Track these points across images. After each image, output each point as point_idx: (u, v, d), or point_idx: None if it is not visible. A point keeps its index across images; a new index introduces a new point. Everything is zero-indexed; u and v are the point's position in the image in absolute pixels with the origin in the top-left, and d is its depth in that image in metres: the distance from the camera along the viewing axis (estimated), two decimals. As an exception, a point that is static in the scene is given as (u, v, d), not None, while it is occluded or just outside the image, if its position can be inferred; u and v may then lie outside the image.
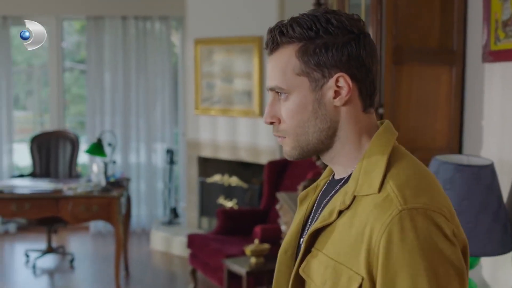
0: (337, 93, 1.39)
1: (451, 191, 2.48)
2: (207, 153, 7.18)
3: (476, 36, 3.27)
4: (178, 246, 7.09)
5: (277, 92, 1.44)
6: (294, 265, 1.48)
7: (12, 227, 8.09)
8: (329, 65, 1.38)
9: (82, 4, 8.06)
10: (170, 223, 7.64)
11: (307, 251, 1.43)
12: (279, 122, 1.45)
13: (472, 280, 2.71)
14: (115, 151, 6.73)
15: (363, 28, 1.40)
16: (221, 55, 7.06)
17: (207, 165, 7.26)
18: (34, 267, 6.73)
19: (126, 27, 8.04)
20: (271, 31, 1.45)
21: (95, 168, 5.99)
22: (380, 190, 1.34)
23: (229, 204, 6.88)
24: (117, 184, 6.08)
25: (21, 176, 7.29)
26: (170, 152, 7.83)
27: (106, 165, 6.02)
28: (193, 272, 5.82)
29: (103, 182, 5.88)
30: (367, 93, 1.40)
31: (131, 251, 6.98)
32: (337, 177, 1.49)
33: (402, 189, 1.32)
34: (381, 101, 3.36)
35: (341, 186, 1.45)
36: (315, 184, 1.59)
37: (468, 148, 3.42)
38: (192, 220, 7.39)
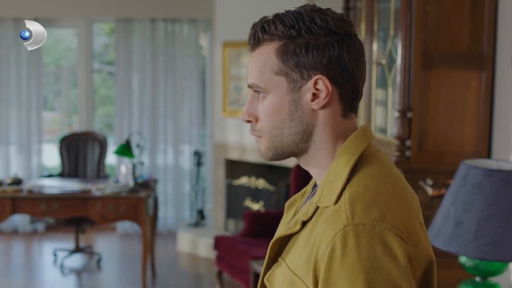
0: (315, 96, 1.33)
1: (480, 195, 2.48)
2: (234, 155, 7.20)
3: (506, 41, 3.27)
4: (205, 248, 7.12)
5: (256, 90, 1.40)
6: None
7: (41, 226, 8.18)
8: (309, 66, 1.32)
9: (112, 6, 8.12)
10: (196, 224, 7.68)
11: (274, 259, 1.40)
12: (256, 121, 1.40)
13: (499, 285, 2.70)
14: (143, 153, 6.78)
15: (350, 30, 1.33)
16: (249, 57, 7.07)
17: (234, 167, 7.29)
18: (62, 266, 6.80)
19: (154, 30, 8.10)
20: (253, 26, 1.41)
21: (123, 169, 6.04)
22: (336, 202, 1.28)
23: (255, 206, 6.89)
24: (145, 185, 6.12)
25: (50, 176, 7.36)
26: (197, 154, 7.86)
27: (134, 166, 6.07)
28: (219, 274, 5.85)
29: (131, 183, 5.92)
30: (348, 97, 1.34)
31: (157, 252, 7.02)
32: (318, 183, 1.43)
33: (353, 203, 1.25)
34: (410, 106, 3.36)
35: (313, 194, 1.41)
36: (303, 190, 1.54)
37: (497, 153, 3.41)
38: (218, 222, 7.42)
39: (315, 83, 1.32)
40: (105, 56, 9.76)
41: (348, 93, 1.34)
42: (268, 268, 1.41)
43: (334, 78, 1.32)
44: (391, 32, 3.71)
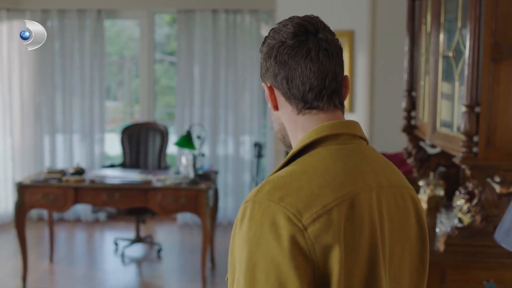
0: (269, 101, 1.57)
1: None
2: (294, 147, 7.13)
3: None
4: (264, 240, 7.07)
5: None
6: None
7: (102, 215, 8.28)
8: (262, 77, 1.58)
9: (174, -3, 8.16)
10: (256, 216, 7.63)
11: None
12: None
13: None
14: (203, 144, 6.78)
15: (287, 36, 1.50)
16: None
17: (294, 159, 7.22)
18: (122, 255, 6.87)
19: (216, 20, 8.08)
20: None
21: (184, 160, 6.05)
22: None
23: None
24: (205, 177, 6.12)
25: (112, 166, 7.43)
26: (258, 146, 7.83)
27: (195, 157, 6.07)
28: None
29: (191, 175, 5.93)
30: (293, 97, 1.51)
31: (217, 243, 7.02)
32: None
33: (265, 184, 1.41)
34: (478, 100, 3.25)
35: None
36: None
37: None
38: (278, 214, 7.36)
39: (266, 90, 1.58)
40: (167, 46, 9.81)
41: (291, 94, 1.51)
42: None
43: (272, 84, 1.54)
44: (459, 24, 3.59)
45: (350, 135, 1.52)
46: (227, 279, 1.48)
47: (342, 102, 1.58)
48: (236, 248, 1.39)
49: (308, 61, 1.49)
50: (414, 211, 1.58)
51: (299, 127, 1.53)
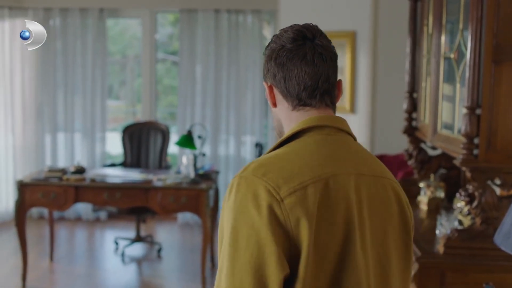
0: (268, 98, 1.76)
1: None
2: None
3: None
4: (264, 240, 7.06)
5: None
6: None
7: (103, 214, 8.28)
8: (264, 77, 1.77)
9: (176, -4, 8.15)
10: (257, 216, 7.62)
11: None
12: None
13: None
14: (204, 143, 6.77)
15: (287, 41, 1.68)
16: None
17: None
18: (123, 254, 6.86)
19: (218, 20, 8.08)
20: None
21: (184, 160, 6.04)
22: None
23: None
24: (206, 177, 6.11)
25: (113, 165, 7.43)
26: (259, 146, 7.82)
27: (195, 157, 6.06)
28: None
29: (192, 174, 5.92)
30: (289, 95, 1.71)
31: (217, 243, 6.99)
32: None
33: (253, 162, 1.61)
34: (479, 102, 3.24)
35: None
36: None
37: None
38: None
39: (266, 89, 1.77)
40: (170, 46, 9.80)
41: (287, 92, 1.71)
42: None
43: (272, 83, 1.74)
44: (461, 25, 3.58)
45: (336, 128, 1.70)
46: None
47: (334, 101, 1.75)
48: (224, 218, 1.58)
49: (304, 64, 1.67)
50: (396, 201, 1.72)
51: (293, 121, 1.72)
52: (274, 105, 1.76)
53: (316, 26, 1.73)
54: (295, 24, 1.73)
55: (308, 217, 1.52)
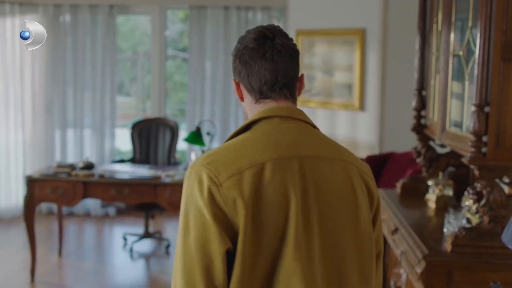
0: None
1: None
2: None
3: None
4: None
5: None
6: None
7: (111, 210, 8.29)
8: (233, 74, 1.94)
9: (186, -7, 8.15)
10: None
11: None
12: None
13: None
14: (213, 140, 6.77)
15: (249, 41, 1.86)
16: (322, 47, 6.98)
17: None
18: (131, 250, 6.88)
19: (228, 17, 8.07)
20: None
21: (193, 156, 6.05)
22: None
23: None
24: (214, 173, 6.10)
25: (122, 161, 7.44)
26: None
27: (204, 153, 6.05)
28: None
29: (200, 171, 5.91)
30: (252, 90, 1.88)
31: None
32: None
33: (204, 154, 1.82)
34: (487, 100, 3.22)
35: None
36: None
37: None
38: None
39: (233, 85, 1.96)
40: (180, 42, 9.81)
41: (250, 87, 1.88)
42: None
43: (238, 80, 1.91)
44: (470, 23, 3.56)
45: (291, 117, 1.86)
46: None
47: (293, 94, 1.92)
48: (181, 201, 1.78)
49: (264, 61, 1.85)
50: (356, 181, 1.86)
51: (255, 113, 1.88)
52: (242, 99, 1.94)
53: (278, 27, 1.91)
54: (258, 26, 1.92)
55: (244, 197, 1.69)
